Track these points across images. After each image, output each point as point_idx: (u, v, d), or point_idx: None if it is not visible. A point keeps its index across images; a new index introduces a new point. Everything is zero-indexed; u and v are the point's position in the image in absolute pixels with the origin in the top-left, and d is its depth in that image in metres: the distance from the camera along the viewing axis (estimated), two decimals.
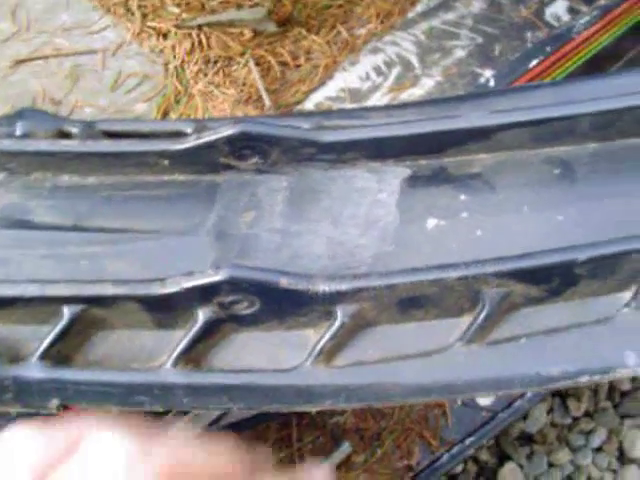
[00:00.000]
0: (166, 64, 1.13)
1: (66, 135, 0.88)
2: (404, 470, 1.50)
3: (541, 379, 0.73)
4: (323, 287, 0.72)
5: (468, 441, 1.52)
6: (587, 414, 2.02)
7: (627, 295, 0.74)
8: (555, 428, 1.99)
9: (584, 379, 0.72)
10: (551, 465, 1.94)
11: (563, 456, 1.95)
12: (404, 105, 0.86)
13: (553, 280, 0.72)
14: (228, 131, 0.80)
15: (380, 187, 0.83)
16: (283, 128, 0.81)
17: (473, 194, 0.81)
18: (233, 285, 0.72)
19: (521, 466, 1.90)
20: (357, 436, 1.51)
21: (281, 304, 0.74)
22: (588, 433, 2.00)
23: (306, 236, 0.81)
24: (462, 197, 0.81)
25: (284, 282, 0.72)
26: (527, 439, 1.96)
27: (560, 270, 0.71)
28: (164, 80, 1.12)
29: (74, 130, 0.87)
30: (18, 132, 0.87)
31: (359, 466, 1.50)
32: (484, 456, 1.90)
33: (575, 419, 2.01)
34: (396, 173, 0.83)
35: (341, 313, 0.73)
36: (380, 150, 0.82)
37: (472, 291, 0.72)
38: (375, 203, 0.82)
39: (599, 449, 1.99)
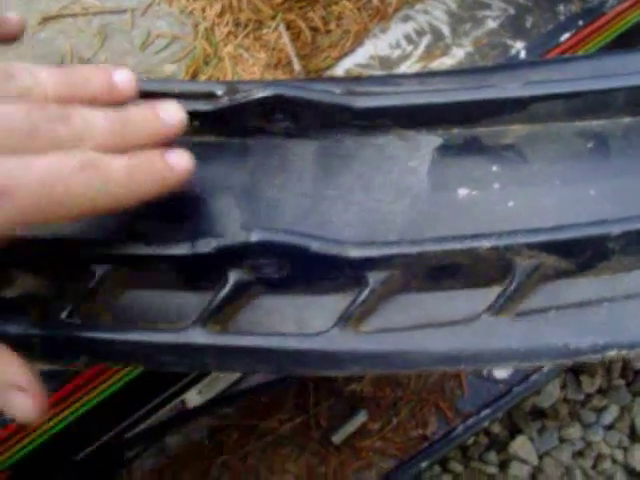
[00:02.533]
0: (196, 25, 1.12)
1: None
2: (419, 439, 1.50)
3: (569, 351, 0.72)
4: (354, 253, 0.72)
5: (483, 413, 1.52)
6: (600, 391, 2.02)
7: None
8: (567, 404, 1.99)
9: (612, 353, 0.72)
10: (562, 440, 1.95)
11: (574, 432, 1.95)
12: (437, 73, 0.86)
13: (585, 253, 0.72)
14: (262, 93, 0.79)
15: (412, 155, 0.82)
16: (317, 92, 0.80)
17: (505, 165, 0.81)
18: (264, 248, 0.72)
19: (532, 440, 1.91)
20: (373, 404, 1.52)
21: (311, 268, 0.74)
22: (600, 410, 2.00)
23: (336, 202, 0.81)
24: (494, 168, 0.81)
25: (315, 246, 0.72)
26: (539, 413, 1.96)
27: (593, 244, 0.71)
28: (193, 42, 1.12)
29: None
30: None
31: (375, 434, 1.51)
32: (496, 428, 1.90)
33: (588, 395, 2.01)
34: (428, 141, 0.83)
35: (371, 279, 0.73)
36: (413, 118, 0.82)
37: (503, 262, 0.72)
38: (406, 171, 0.82)
39: (610, 426, 1.99)
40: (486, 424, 1.54)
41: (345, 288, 0.75)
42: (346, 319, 0.74)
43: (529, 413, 1.94)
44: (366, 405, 1.49)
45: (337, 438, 1.48)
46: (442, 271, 0.74)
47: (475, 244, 0.71)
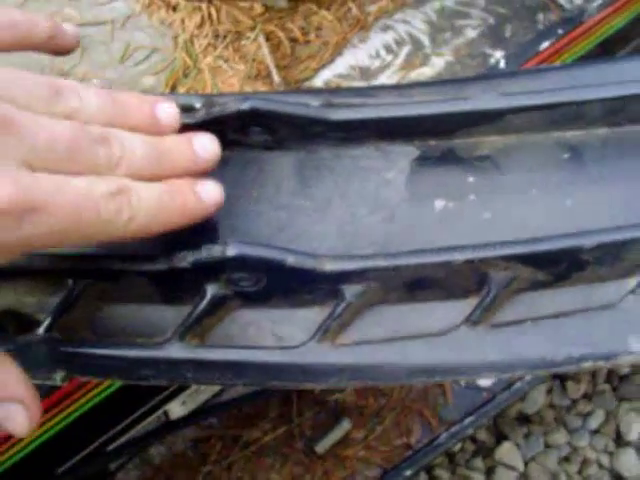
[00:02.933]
0: (175, 37, 1.12)
1: None
2: (403, 448, 1.51)
3: (545, 363, 0.73)
4: (329, 266, 0.72)
5: (467, 421, 1.52)
6: (585, 396, 2.03)
7: (632, 282, 0.74)
8: (553, 409, 2.00)
9: (588, 364, 0.73)
10: (548, 446, 1.96)
11: (560, 437, 1.96)
12: (414, 85, 0.86)
13: (560, 265, 0.72)
14: (238, 107, 0.80)
15: (388, 167, 0.82)
16: (292, 105, 0.81)
17: (481, 176, 0.81)
18: (240, 262, 0.72)
19: (518, 446, 1.91)
20: (357, 413, 1.53)
21: (287, 282, 0.74)
22: (586, 415, 2.01)
23: (313, 214, 0.81)
24: (470, 179, 0.81)
25: (291, 260, 0.72)
26: (525, 419, 1.97)
27: (567, 256, 0.71)
28: (173, 53, 1.12)
29: None
30: None
31: (358, 442, 1.51)
32: (482, 435, 1.91)
33: (573, 401, 2.02)
34: (405, 153, 0.83)
35: (347, 293, 0.73)
36: (389, 130, 0.82)
37: (479, 274, 0.72)
38: (383, 183, 0.82)
39: (596, 431, 2.00)
40: (470, 432, 1.54)
41: (322, 301, 0.76)
42: (323, 332, 0.74)
43: (515, 419, 1.94)
44: (349, 414, 1.49)
45: (321, 447, 1.48)
46: (418, 284, 0.74)
47: (450, 257, 0.72)
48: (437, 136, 0.83)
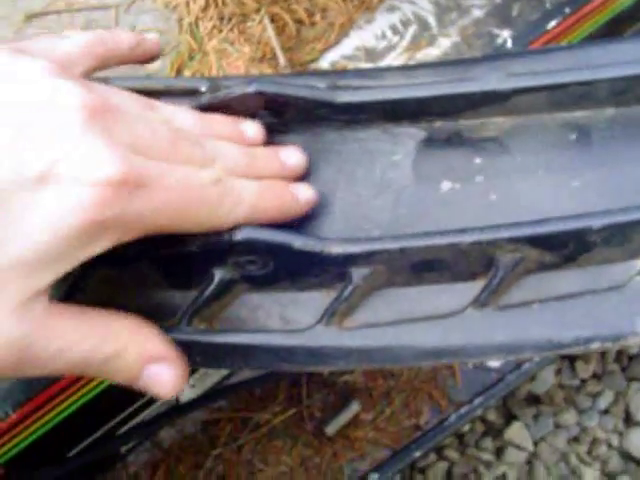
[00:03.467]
0: (180, 20, 1.12)
1: None
2: (412, 429, 1.51)
3: (552, 344, 0.73)
4: (336, 249, 0.72)
5: (476, 402, 1.52)
6: (595, 376, 2.02)
7: None
8: (562, 389, 2.00)
9: (595, 345, 0.72)
10: (557, 426, 1.96)
11: (569, 417, 1.96)
12: (420, 66, 0.85)
13: (567, 247, 0.72)
14: (243, 90, 0.79)
15: (395, 149, 0.82)
16: (298, 88, 0.80)
17: (488, 157, 0.81)
18: (248, 245, 0.72)
19: (527, 426, 1.92)
20: (366, 394, 1.53)
21: (294, 265, 0.74)
22: (595, 395, 2.01)
23: (319, 197, 0.81)
24: (477, 160, 0.81)
25: (298, 243, 0.72)
26: (534, 400, 1.97)
27: (574, 237, 0.71)
28: (178, 36, 1.11)
29: None
30: None
31: (368, 424, 1.51)
32: (491, 416, 1.91)
33: (583, 381, 2.02)
34: (411, 135, 0.83)
35: (354, 275, 0.73)
36: (395, 112, 0.82)
37: (486, 256, 0.72)
38: (389, 165, 0.82)
39: (605, 411, 2.00)
40: (479, 412, 1.54)
41: (329, 284, 0.76)
42: (330, 315, 0.74)
43: (524, 399, 1.94)
44: (359, 396, 1.49)
45: (330, 429, 1.48)
46: (425, 266, 0.74)
47: (457, 239, 0.71)
48: (443, 117, 0.82)
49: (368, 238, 0.74)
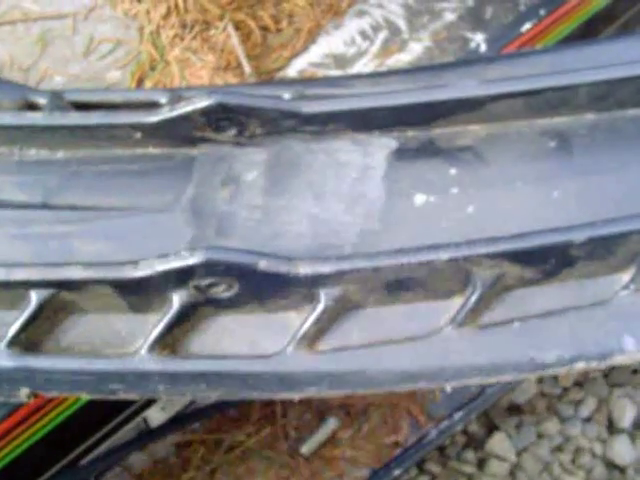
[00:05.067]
0: (141, 29, 1.08)
1: (33, 106, 0.83)
2: (392, 446, 1.47)
3: (535, 365, 0.69)
4: (304, 269, 0.68)
5: (457, 416, 1.49)
6: (577, 384, 2.00)
7: (625, 277, 0.70)
8: (544, 398, 1.97)
9: (580, 365, 0.69)
10: (540, 435, 1.93)
11: (552, 426, 1.93)
12: (390, 73, 0.82)
13: (549, 261, 0.69)
14: (203, 102, 0.75)
15: (365, 160, 0.78)
16: (262, 99, 0.77)
17: (464, 168, 0.77)
18: (209, 268, 0.68)
19: (509, 436, 1.89)
20: (343, 412, 1.49)
21: (261, 287, 0.70)
22: (577, 403, 1.98)
23: (287, 213, 0.77)
24: (452, 171, 0.77)
25: (263, 264, 0.68)
26: (516, 409, 1.94)
27: (556, 251, 0.68)
28: (139, 46, 1.08)
29: (41, 101, 0.83)
30: None
31: (345, 442, 1.48)
32: (472, 427, 1.88)
33: (565, 389, 1.99)
34: (382, 145, 0.79)
35: (324, 296, 0.69)
36: (365, 121, 0.78)
37: (463, 273, 0.69)
38: (360, 177, 0.78)
39: (588, 419, 1.98)
40: (460, 427, 1.51)
41: (299, 305, 0.72)
42: (300, 339, 0.70)
43: (506, 409, 1.91)
44: (335, 413, 1.45)
45: (307, 448, 1.44)
46: (399, 284, 0.70)
47: (432, 256, 0.67)
48: (416, 126, 0.78)
49: (338, 257, 0.70)
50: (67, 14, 1.11)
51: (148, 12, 1.07)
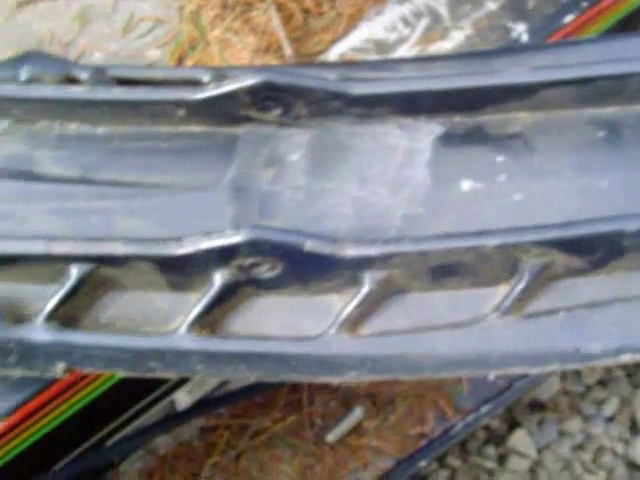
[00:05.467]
0: (181, 8, 1.07)
1: (74, 81, 0.83)
2: (417, 437, 1.46)
3: (580, 356, 0.68)
4: (351, 251, 0.67)
5: (483, 409, 1.48)
6: (600, 383, 1.98)
7: None
8: (567, 396, 1.95)
9: (626, 357, 0.68)
10: (561, 433, 1.91)
11: (574, 425, 1.91)
12: (437, 58, 0.81)
13: (598, 251, 0.67)
14: (250, 80, 0.75)
15: (411, 145, 0.77)
16: (310, 79, 0.76)
17: (511, 155, 0.76)
18: (254, 247, 0.67)
19: (531, 433, 1.87)
20: (369, 401, 1.48)
21: (305, 268, 0.70)
22: (600, 402, 1.96)
23: (331, 195, 0.76)
24: (499, 158, 0.76)
25: (309, 245, 0.67)
26: (538, 406, 1.92)
27: (607, 241, 0.66)
28: (179, 25, 1.07)
29: (83, 76, 0.82)
30: (23, 76, 0.82)
31: (371, 432, 1.47)
32: (494, 423, 1.86)
33: (588, 387, 1.97)
34: (428, 130, 0.78)
35: (369, 279, 0.68)
36: (412, 105, 0.77)
37: (510, 260, 0.68)
38: (405, 162, 0.77)
39: (611, 418, 1.95)
40: (487, 420, 1.50)
41: (342, 288, 0.71)
42: (343, 322, 0.69)
43: (528, 406, 1.90)
44: (362, 402, 1.45)
45: (332, 437, 1.44)
46: (445, 270, 0.69)
47: (480, 242, 0.67)
48: (463, 112, 0.77)
49: (384, 239, 0.69)
50: None
51: None
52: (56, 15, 1.08)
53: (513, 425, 1.90)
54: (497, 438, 1.88)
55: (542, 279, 0.68)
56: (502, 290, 0.69)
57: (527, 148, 0.76)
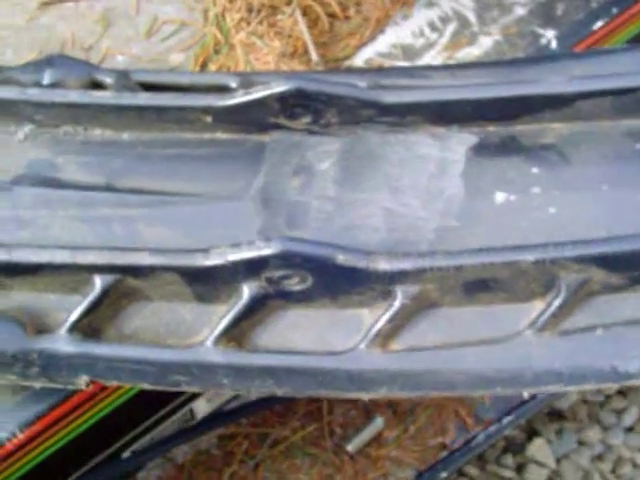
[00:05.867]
0: (205, 11, 1.06)
1: (98, 85, 0.81)
2: (438, 448, 1.44)
3: (618, 375, 0.66)
4: (384, 265, 0.66)
5: (505, 420, 1.46)
6: (620, 392, 1.96)
7: None
8: (586, 405, 1.93)
9: None
10: (581, 443, 1.89)
11: (593, 434, 1.89)
12: (468, 65, 0.80)
13: (638, 268, 0.66)
14: (281, 87, 0.73)
15: (444, 155, 0.76)
16: (341, 86, 0.74)
17: (546, 167, 0.74)
18: (284, 259, 0.65)
19: (550, 442, 1.85)
20: (390, 411, 1.46)
21: (336, 281, 0.68)
22: (620, 412, 1.94)
23: (361, 206, 0.74)
24: (534, 170, 0.74)
25: (341, 258, 0.65)
26: (557, 415, 1.90)
27: None
28: (203, 28, 1.05)
29: (108, 80, 0.81)
30: (46, 80, 0.81)
31: (391, 442, 1.45)
32: (512, 431, 1.85)
33: (607, 397, 1.95)
34: (461, 140, 0.76)
35: (401, 293, 0.67)
36: (445, 114, 0.75)
37: (547, 276, 0.66)
38: (438, 172, 0.75)
39: (630, 429, 1.94)
40: (508, 431, 1.48)
41: (373, 302, 0.69)
42: (373, 336, 0.68)
43: (547, 415, 1.88)
44: (382, 412, 1.43)
45: (352, 447, 1.42)
46: (479, 285, 0.67)
47: (517, 257, 0.65)
48: (497, 122, 0.76)
49: (418, 253, 0.67)
50: None
51: None
52: (78, 17, 1.07)
53: (532, 434, 1.88)
54: (516, 447, 1.86)
55: (579, 295, 0.67)
56: (537, 306, 0.68)
57: (562, 159, 0.74)
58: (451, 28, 1.06)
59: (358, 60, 1.04)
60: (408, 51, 1.04)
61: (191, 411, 1.16)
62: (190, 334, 0.71)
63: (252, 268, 0.67)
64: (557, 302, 0.66)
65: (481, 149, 0.75)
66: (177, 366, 0.69)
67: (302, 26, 1.03)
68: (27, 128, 0.82)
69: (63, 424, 0.89)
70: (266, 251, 0.65)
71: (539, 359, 0.67)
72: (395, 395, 0.69)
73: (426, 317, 0.69)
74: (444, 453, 1.43)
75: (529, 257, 0.64)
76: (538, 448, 1.85)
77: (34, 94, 0.80)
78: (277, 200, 0.75)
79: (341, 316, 0.70)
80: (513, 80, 0.75)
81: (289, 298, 0.69)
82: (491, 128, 0.76)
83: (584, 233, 0.68)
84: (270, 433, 1.41)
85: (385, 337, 0.68)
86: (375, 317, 0.68)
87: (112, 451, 1.05)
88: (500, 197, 0.73)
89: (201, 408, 1.17)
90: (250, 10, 1.04)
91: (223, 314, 0.69)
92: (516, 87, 0.73)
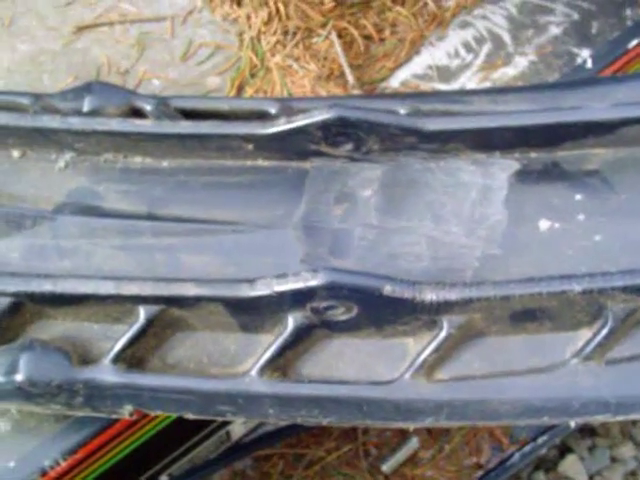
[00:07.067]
0: (240, 34, 1.06)
1: (138, 112, 0.81)
2: (473, 468, 1.44)
3: None
4: (431, 296, 0.65)
5: (540, 440, 1.45)
6: None
7: None
8: (619, 422, 1.92)
9: None
10: (613, 460, 1.88)
11: (626, 451, 1.88)
12: (509, 89, 0.80)
13: None
14: (323, 115, 0.73)
15: (486, 182, 0.75)
16: (383, 114, 0.74)
17: (589, 194, 0.74)
18: (331, 290, 0.65)
19: (582, 459, 1.84)
20: (425, 431, 1.45)
21: (381, 311, 0.68)
22: None
23: (404, 234, 0.74)
24: (578, 197, 0.74)
25: (388, 289, 0.65)
26: (590, 432, 1.89)
27: None
28: (238, 52, 1.05)
29: (147, 107, 0.81)
30: (86, 108, 0.81)
31: (426, 462, 1.44)
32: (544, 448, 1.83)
33: None
34: (504, 166, 0.76)
35: (447, 323, 0.66)
36: (487, 141, 0.75)
37: (595, 305, 0.65)
38: (481, 199, 0.75)
39: None
40: (543, 451, 1.47)
41: (418, 332, 0.69)
42: (419, 366, 0.67)
43: (579, 431, 1.87)
44: (417, 432, 1.42)
45: (387, 467, 1.42)
46: (526, 314, 0.67)
47: (565, 287, 0.64)
48: (540, 148, 0.75)
49: (465, 283, 0.67)
50: (165, 17, 1.09)
51: (249, 17, 1.05)
52: (114, 41, 1.07)
53: (564, 451, 1.86)
54: (548, 464, 1.84)
55: (626, 324, 0.66)
56: (584, 335, 0.67)
57: (606, 186, 0.74)
58: (486, 49, 1.06)
59: (394, 82, 1.04)
60: (444, 72, 1.04)
61: (227, 432, 1.16)
62: (234, 364, 0.71)
63: (298, 299, 0.67)
64: (604, 331, 0.66)
65: (523, 176, 0.75)
66: (222, 396, 0.69)
67: (338, 48, 1.02)
68: (68, 156, 0.82)
69: (104, 451, 0.89)
70: (313, 282, 0.65)
71: (586, 388, 0.66)
72: (441, 425, 0.69)
73: (472, 346, 0.69)
74: (479, 473, 1.42)
75: (577, 287, 0.64)
76: (570, 465, 1.84)
77: (75, 123, 0.80)
78: (319, 228, 0.75)
79: (386, 346, 0.70)
80: (555, 106, 0.74)
81: (334, 328, 0.69)
82: (533, 154, 0.76)
83: (630, 261, 0.68)
84: (306, 454, 1.41)
85: (431, 367, 0.67)
86: (420, 347, 0.68)
87: (150, 474, 1.05)
88: (544, 224, 0.73)
89: (237, 430, 1.17)
90: (286, 33, 1.04)
91: (268, 344, 0.69)
92: (558, 114, 0.73)
